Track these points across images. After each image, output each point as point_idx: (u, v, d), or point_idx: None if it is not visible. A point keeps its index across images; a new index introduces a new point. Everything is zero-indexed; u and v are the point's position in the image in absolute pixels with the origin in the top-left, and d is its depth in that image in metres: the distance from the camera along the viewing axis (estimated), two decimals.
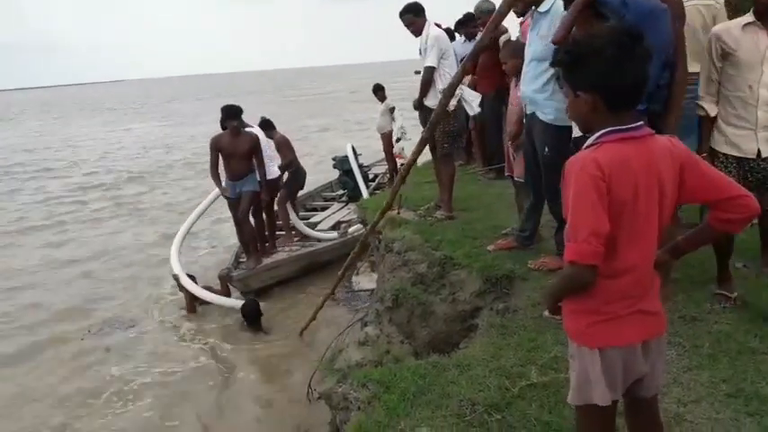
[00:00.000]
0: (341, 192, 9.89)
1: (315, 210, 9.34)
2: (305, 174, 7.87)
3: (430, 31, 4.78)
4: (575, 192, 1.42)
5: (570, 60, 1.50)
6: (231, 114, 6.29)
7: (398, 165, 9.97)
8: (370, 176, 10.32)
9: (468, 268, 3.91)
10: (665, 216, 1.51)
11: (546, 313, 3.19)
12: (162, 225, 10.67)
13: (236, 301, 6.24)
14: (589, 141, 1.48)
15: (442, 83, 4.63)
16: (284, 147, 7.38)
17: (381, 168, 10.91)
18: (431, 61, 4.68)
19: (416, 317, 3.99)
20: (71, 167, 18.84)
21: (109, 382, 5.31)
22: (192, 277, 6.61)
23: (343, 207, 9.16)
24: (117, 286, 7.75)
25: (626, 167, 1.41)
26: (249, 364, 5.51)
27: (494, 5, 5.64)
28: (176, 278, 6.48)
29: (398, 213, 5.10)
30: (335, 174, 10.18)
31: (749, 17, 2.90)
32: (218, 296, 6.38)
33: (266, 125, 7.44)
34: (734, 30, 2.91)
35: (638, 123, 1.46)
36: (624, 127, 1.44)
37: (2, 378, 5.57)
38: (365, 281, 6.65)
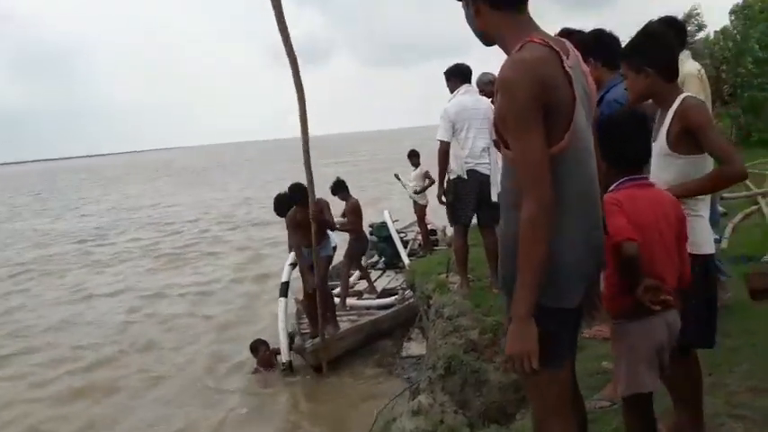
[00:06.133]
0: (375, 259, 9.64)
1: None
2: (367, 241, 7.82)
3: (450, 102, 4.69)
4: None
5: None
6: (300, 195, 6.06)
7: (428, 229, 9.61)
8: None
9: None
10: (682, 249, 1.91)
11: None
12: None
13: None
14: (611, 188, 1.95)
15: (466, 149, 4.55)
16: (352, 212, 7.39)
17: (411, 234, 10.53)
18: (440, 135, 4.59)
19: (470, 385, 3.90)
20: None
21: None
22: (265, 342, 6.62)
23: (381, 274, 8.99)
24: None
25: (638, 202, 1.87)
26: None
27: (493, 76, 5.74)
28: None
29: (447, 278, 5.08)
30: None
31: None
32: None
33: (339, 187, 7.47)
34: None
35: (645, 176, 1.99)
36: (635, 177, 1.95)
37: None
38: (415, 347, 6.53)
